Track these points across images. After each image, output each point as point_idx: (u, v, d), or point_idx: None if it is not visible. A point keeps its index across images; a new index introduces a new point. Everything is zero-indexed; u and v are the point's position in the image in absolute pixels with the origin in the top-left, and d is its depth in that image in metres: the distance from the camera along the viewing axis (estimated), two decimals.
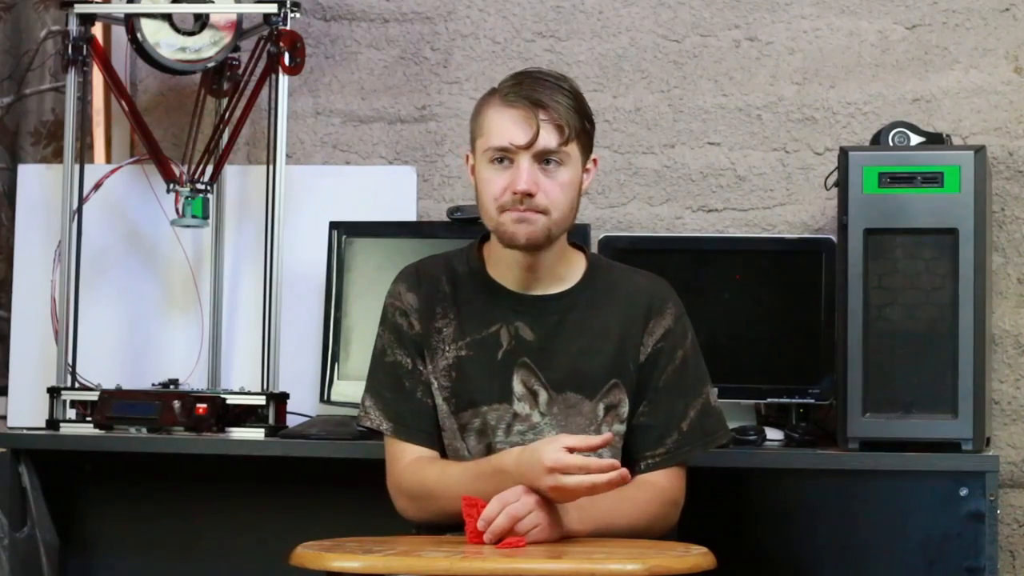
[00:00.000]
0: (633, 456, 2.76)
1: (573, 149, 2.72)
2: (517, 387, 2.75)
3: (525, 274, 2.78)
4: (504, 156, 2.70)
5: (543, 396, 2.74)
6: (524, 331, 2.76)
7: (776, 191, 3.71)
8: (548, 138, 2.69)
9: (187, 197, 3.64)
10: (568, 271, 2.81)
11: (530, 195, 2.68)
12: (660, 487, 2.74)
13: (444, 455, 2.78)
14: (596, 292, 2.80)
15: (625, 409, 2.75)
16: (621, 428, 2.75)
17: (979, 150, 3.17)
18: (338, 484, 3.29)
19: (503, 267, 2.79)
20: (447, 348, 2.78)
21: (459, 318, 2.79)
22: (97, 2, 3.67)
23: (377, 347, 2.84)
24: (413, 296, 2.81)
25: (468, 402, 2.75)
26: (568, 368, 2.73)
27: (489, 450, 2.74)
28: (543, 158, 2.69)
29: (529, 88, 2.71)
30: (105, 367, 3.72)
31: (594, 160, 2.80)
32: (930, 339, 3.14)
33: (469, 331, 2.78)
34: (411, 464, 2.76)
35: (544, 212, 2.70)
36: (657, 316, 2.78)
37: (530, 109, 2.68)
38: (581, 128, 2.72)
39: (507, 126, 2.69)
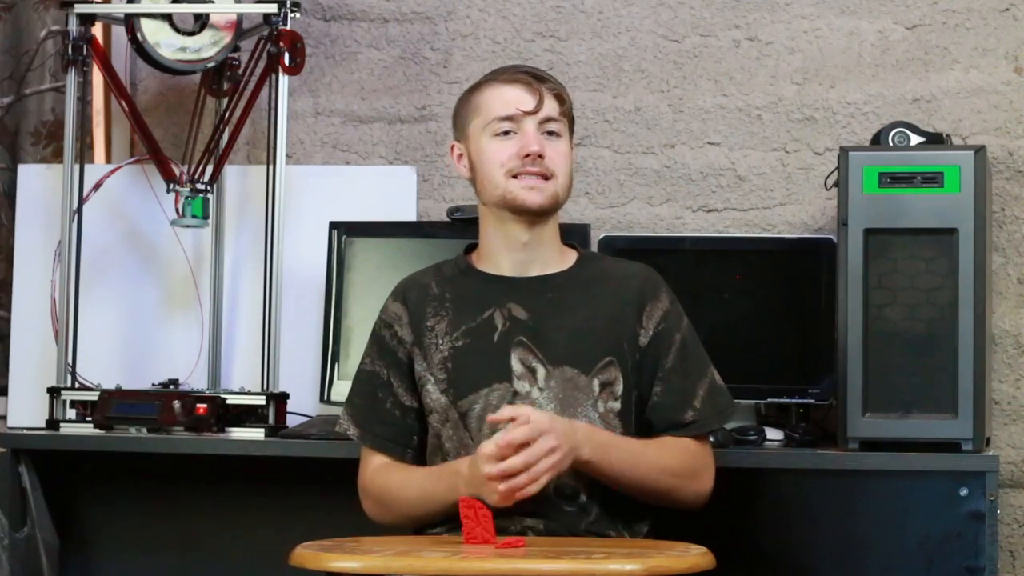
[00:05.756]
0: (652, 435, 2.81)
1: (567, 123, 2.84)
2: (516, 366, 2.78)
3: (520, 254, 2.83)
4: (509, 126, 2.78)
5: (541, 372, 2.78)
6: (517, 311, 2.81)
7: (776, 191, 3.71)
8: (551, 105, 2.81)
9: (187, 197, 3.64)
10: (559, 258, 2.88)
11: (540, 157, 2.77)
12: (687, 444, 2.80)
13: (418, 463, 2.84)
14: (588, 276, 2.87)
15: (620, 387, 2.79)
16: (615, 405, 2.79)
17: (979, 150, 3.17)
18: (338, 484, 3.28)
19: (495, 255, 2.85)
20: (441, 342, 2.82)
21: (451, 312, 2.84)
22: (97, 2, 3.67)
23: (361, 356, 2.91)
24: (400, 306, 2.87)
25: (469, 388, 2.79)
26: (563, 343, 2.77)
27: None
28: (545, 128, 2.80)
29: (519, 67, 2.88)
30: (105, 367, 3.72)
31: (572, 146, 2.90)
32: (930, 339, 3.14)
33: (463, 321, 2.82)
34: (377, 469, 2.84)
35: (552, 176, 2.79)
36: (653, 300, 2.83)
37: (532, 80, 2.81)
38: (571, 108, 2.87)
39: (511, 97, 2.80)
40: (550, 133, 2.80)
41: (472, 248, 2.91)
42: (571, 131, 2.86)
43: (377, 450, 2.84)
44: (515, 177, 2.77)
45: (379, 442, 2.84)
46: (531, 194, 2.78)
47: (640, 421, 2.83)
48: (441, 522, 2.77)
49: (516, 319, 2.80)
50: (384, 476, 2.82)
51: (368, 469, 2.85)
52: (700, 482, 2.80)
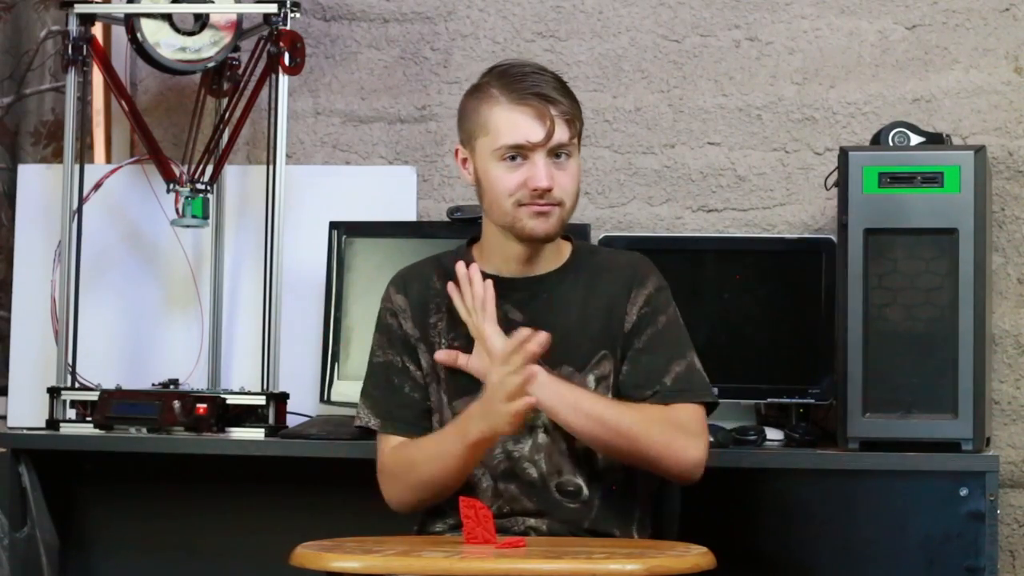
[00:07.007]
0: None
1: (576, 142, 2.80)
2: None
3: (522, 264, 2.83)
4: (518, 153, 2.74)
5: None
6: (513, 313, 2.80)
7: (776, 191, 3.71)
8: (561, 133, 2.75)
9: (187, 197, 3.64)
10: (555, 255, 2.86)
11: (549, 190, 2.74)
12: (667, 411, 2.73)
13: None
14: (582, 271, 2.85)
15: (612, 379, 2.79)
16: (611, 396, 2.78)
17: (979, 150, 3.17)
18: (338, 484, 3.29)
19: (497, 259, 2.83)
20: (441, 342, 2.82)
21: (450, 311, 2.83)
22: (97, 2, 3.67)
23: (370, 350, 2.89)
24: (402, 298, 2.86)
25: (464, 389, 2.78)
26: (559, 343, 2.76)
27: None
28: (555, 152, 2.76)
29: (531, 84, 2.76)
30: (105, 367, 3.72)
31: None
32: (930, 339, 3.14)
33: (460, 322, 2.81)
34: (395, 448, 2.81)
35: (559, 204, 2.76)
36: (639, 287, 2.82)
37: (542, 105, 2.74)
38: (581, 118, 2.82)
39: (520, 124, 2.74)
40: (559, 155, 2.76)
41: (473, 240, 2.90)
42: (580, 138, 2.82)
43: (400, 435, 2.81)
44: (522, 205, 2.75)
45: (401, 426, 2.80)
46: (538, 223, 2.76)
47: None
48: (442, 519, 2.77)
49: (512, 321, 2.79)
50: (402, 451, 2.79)
51: (386, 452, 2.81)
52: (688, 451, 2.71)
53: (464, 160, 2.83)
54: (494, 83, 2.78)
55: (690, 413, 2.76)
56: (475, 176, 2.82)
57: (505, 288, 2.82)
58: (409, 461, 2.77)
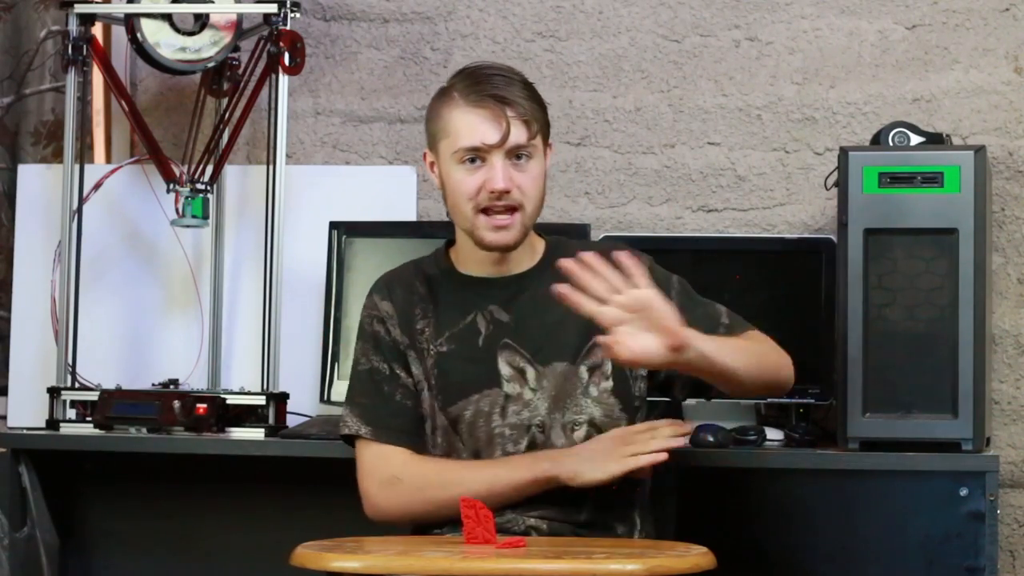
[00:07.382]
0: None
1: (538, 140, 2.78)
2: (504, 369, 2.78)
3: (497, 265, 2.83)
4: (476, 156, 2.74)
5: (531, 372, 2.77)
6: (499, 314, 2.80)
7: (776, 191, 3.71)
8: (518, 134, 2.74)
9: (187, 197, 3.64)
10: (530, 252, 2.86)
11: (507, 192, 2.73)
12: (748, 336, 2.85)
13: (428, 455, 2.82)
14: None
15: (608, 366, 2.78)
16: (608, 384, 2.79)
17: (979, 150, 3.17)
18: (338, 484, 3.27)
19: (472, 262, 2.83)
20: (430, 347, 2.81)
21: (435, 315, 2.82)
22: (97, 2, 3.67)
23: (353, 359, 2.87)
24: (388, 304, 2.84)
25: (457, 395, 2.78)
26: (548, 339, 2.77)
27: (488, 439, 2.76)
28: (514, 154, 2.75)
29: (490, 86, 2.75)
30: (105, 367, 3.72)
31: (549, 144, 2.84)
32: (930, 339, 3.14)
33: (447, 326, 2.81)
34: (412, 460, 2.78)
35: (519, 208, 2.76)
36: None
37: (498, 107, 2.73)
38: (543, 120, 2.79)
39: (476, 126, 2.74)
40: (519, 157, 2.75)
41: (451, 243, 2.90)
42: (545, 137, 2.81)
43: (397, 444, 2.78)
44: (483, 211, 2.74)
45: (398, 436, 2.79)
46: (497, 235, 2.75)
47: (651, 385, 2.86)
48: (441, 523, 2.77)
49: (499, 322, 2.79)
50: (427, 466, 2.77)
51: (395, 463, 2.77)
52: (787, 366, 2.86)
53: (432, 164, 2.84)
54: (456, 86, 2.79)
55: (760, 334, 2.87)
56: (440, 180, 2.82)
57: (487, 288, 2.82)
58: (436, 477, 2.74)
